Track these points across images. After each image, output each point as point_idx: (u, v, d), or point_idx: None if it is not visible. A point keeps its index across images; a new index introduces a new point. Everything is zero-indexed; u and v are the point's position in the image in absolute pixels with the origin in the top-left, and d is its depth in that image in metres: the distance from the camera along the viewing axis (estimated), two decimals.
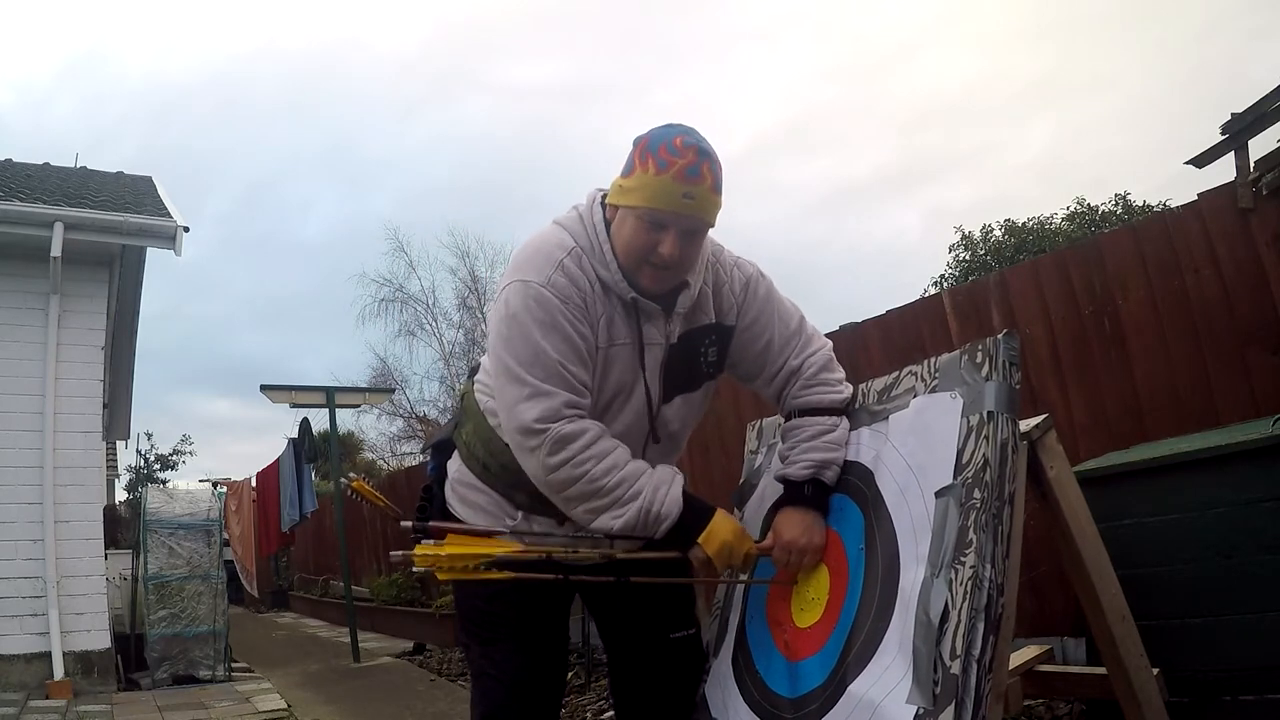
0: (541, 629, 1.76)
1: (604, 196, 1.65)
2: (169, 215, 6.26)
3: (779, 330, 1.74)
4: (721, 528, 1.59)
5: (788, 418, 1.74)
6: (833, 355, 1.77)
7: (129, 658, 6.36)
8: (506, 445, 1.63)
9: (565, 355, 1.54)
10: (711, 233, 1.65)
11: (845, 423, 1.71)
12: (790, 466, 1.68)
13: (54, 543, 5.62)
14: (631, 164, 1.55)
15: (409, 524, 1.61)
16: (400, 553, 1.54)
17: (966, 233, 15.76)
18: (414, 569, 1.55)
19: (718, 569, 1.60)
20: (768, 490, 1.86)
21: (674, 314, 1.65)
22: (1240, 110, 2.90)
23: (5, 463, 5.68)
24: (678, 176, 1.50)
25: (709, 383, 1.77)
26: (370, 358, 21.46)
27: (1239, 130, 2.91)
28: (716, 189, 1.54)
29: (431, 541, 1.55)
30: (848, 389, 1.74)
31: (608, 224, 1.61)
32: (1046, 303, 3.42)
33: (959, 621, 1.33)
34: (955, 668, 1.30)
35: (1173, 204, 7.28)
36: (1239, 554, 1.98)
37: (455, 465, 1.80)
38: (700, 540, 1.57)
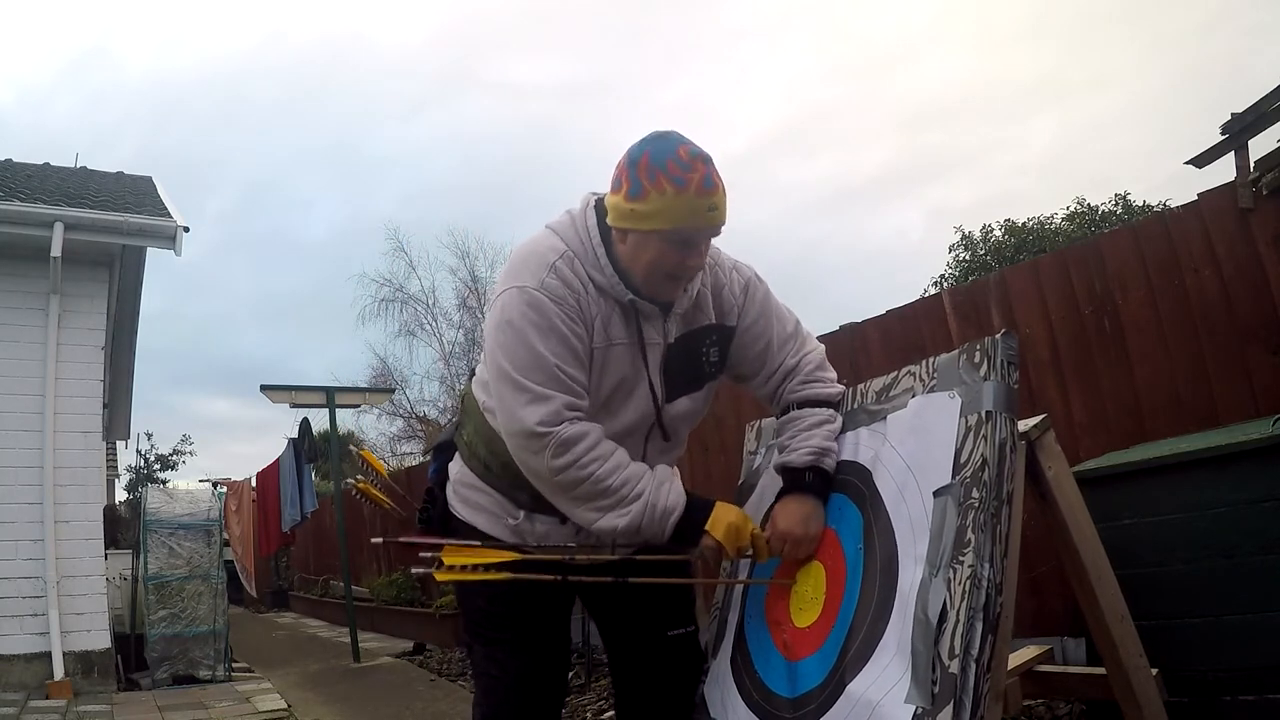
0: (543, 629, 1.77)
1: (598, 201, 1.63)
2: (169, 215, 6.26)
3: (778, 331, 1.76)
4: (725, 512, 1.61)
5: (784, 411, 1.76)
6: (824, 356, 1.79)
7: (129, 658, 6.36)
8: None
9: (562, 358, 1.53)
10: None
11: (840, 418, 1.73)
12: (791, 454, 1.68)
13: (54, 543, 5.62)
14: (640, 186, 1.49)
15: (409, 540, 1.64)
16: (430, 554, 1.56)
17: (966, 233, 15.77)
18: (414, 570, 1.56)
19: (729, 552, 1.60)
20: (766, 490, 1.86)
21: (671, 314, 1.65)
22: (1240, 110, 2.90)
23: (5, 463, 5.68)
24: (699, 192, 1.48)
25: (712, 382, 1.78)
26: (370, 358, 21.40)
27: (1239, 130, 2.90)
28: (725, 191, 1.53)
29: (432, 553, 1.56)
30: (840, 387, 1.77)
31: (602, 229, 1.60)
32: (1046, 303, 3.42)
33: (957, 621, 1.33)
34: (954, 667, 1.30)
35: (1173, 204, 7.26)
36: (1239, 554, 1.97)
37: (457, 467, 1.81)
38: (708, 527, 1.58)
